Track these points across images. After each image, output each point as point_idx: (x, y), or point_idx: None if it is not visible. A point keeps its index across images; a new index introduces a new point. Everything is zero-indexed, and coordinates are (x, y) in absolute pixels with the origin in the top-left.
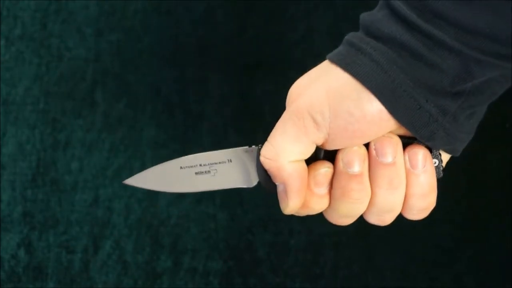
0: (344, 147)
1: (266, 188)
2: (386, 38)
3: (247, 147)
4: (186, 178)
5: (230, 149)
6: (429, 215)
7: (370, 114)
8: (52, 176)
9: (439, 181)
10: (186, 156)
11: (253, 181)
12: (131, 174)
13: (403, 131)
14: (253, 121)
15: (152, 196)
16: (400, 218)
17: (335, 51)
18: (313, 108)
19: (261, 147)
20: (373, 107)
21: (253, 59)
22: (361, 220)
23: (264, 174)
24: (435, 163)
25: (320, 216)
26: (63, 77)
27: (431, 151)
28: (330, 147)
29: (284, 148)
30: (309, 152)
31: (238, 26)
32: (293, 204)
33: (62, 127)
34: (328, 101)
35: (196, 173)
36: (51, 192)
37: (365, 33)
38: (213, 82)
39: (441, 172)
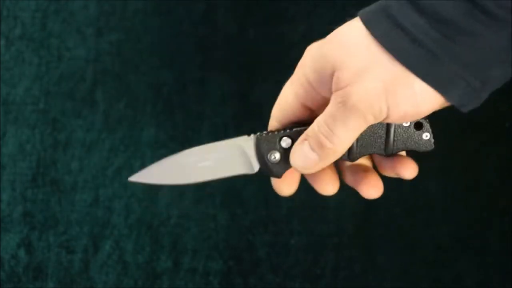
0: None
1: (268, 174)
2: (443, 21)
3: (246, 136)
4: (189, 170)
5: (230, 140)
6: (429, 215)
7: (425, 105)
8: (52, 176)
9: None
10: (188, 150)
11: (255, 167)
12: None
13: None
14: (253, 121)
15: (152, 196)
16: (401, 218)
17: (377, 24)
18: (373, 108)
19: (260, 135)
20: (429, 96)
21: (253, 59)
22: (361, 220)
23: (265, 162)
24: (426, 136)
25: (320, 217)
26: (63, 77)
27: (421, 126)
28: None
29: (348, 143)
30: None
31: (238, 26)
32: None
33: (62, 127)
34: (386, 100)
35: (199, 165)
36: (51, 192)
37: (415, 10)
38: (213, 82)
39: (433, 144)
